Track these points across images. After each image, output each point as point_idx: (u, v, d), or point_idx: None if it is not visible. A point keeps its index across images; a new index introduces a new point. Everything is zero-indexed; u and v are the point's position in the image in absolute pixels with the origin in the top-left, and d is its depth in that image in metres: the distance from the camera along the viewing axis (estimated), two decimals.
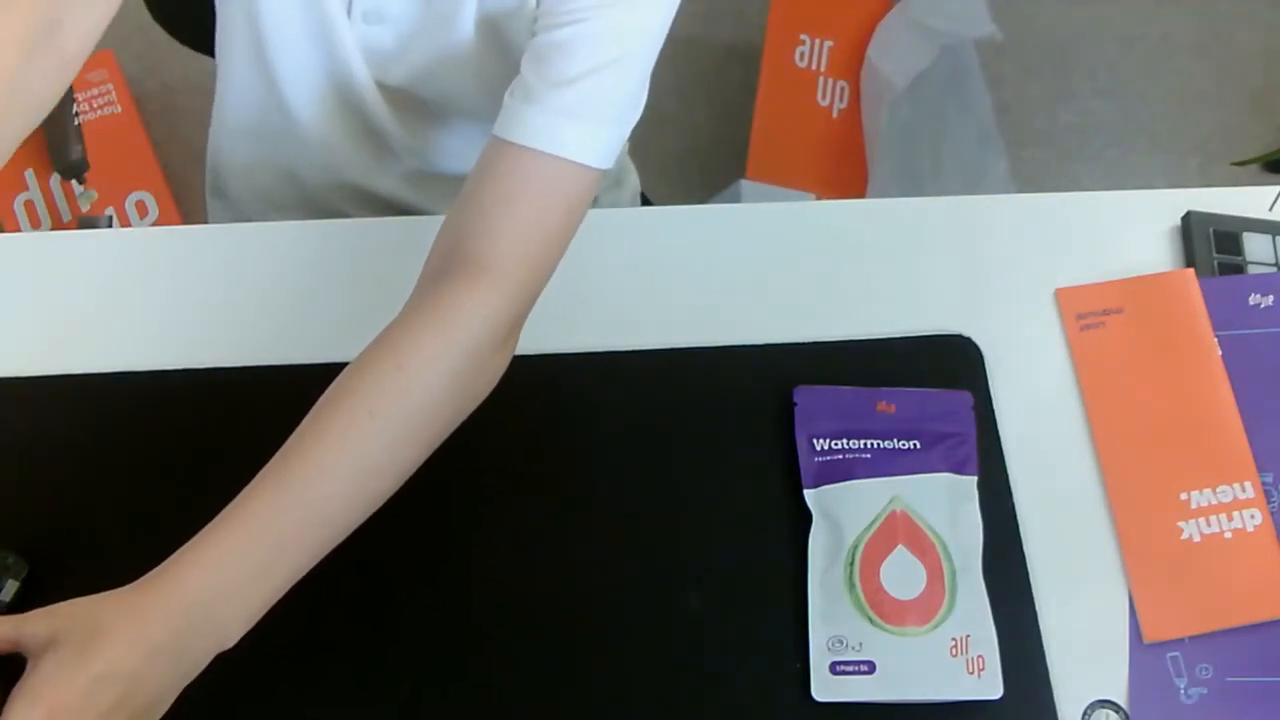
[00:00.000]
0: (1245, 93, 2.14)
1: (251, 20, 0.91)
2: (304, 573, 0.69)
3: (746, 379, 0.89)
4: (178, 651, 0.65)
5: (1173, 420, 0.88)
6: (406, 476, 0.72)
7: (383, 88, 0.95)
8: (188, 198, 1.86)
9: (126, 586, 0.66)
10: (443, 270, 0.75)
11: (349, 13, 0.89)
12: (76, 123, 1.84)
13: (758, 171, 1.84)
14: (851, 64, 1.89)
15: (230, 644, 0.67)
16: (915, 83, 1.77)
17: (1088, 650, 0.81)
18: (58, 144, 1.83)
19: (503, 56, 0.89)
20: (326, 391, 0.72)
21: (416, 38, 0.90)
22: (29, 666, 0.63)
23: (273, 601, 0.68)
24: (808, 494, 0.84)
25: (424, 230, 0.96)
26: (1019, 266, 0.95)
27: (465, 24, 0.88)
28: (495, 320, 0.74)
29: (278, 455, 0.70)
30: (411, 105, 0.97)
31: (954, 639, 0.79)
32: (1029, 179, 2.00)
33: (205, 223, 1.14)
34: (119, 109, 1.86)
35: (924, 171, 1.83)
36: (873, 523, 0.82)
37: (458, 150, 1.03)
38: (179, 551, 0.67)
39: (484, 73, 0.90)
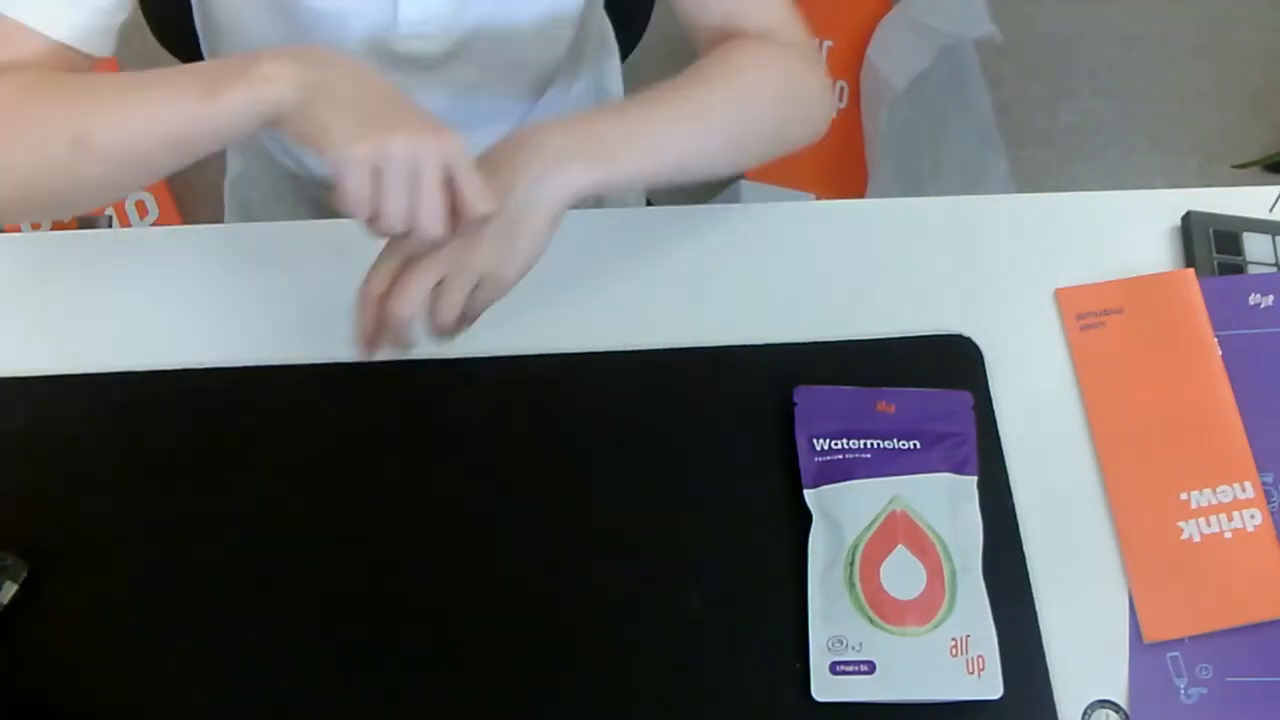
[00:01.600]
0: (1245, 93, 2.14)
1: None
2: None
3: (746, 379, 0.89)
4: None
5: (1173, 420, 0.88)
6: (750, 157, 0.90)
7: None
8: (188, 198, 1.86)
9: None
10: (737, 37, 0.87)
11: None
12: None
13: (758, 171, 1.84)
14: (851, 64, 1.89)
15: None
16: (915, 83, 1.77)
17: (1088, 650, 0.81)
18: None
19: None
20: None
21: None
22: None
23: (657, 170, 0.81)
24: (808, 494, 0.84)
25: None
26: (1019, 266, 0.95)
27: None
28: (808, 58, 0.89)
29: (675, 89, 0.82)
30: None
31: (954, 639, 0.79)
32: (1029, 179, 2.00)
33: (215, 201, 1.15)
34: None
35: (924, 171, 1.83)
36: (873, 523, 0.82)
37: None
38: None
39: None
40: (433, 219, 0.71)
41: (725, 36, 0.87)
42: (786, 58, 0.88)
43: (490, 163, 0.75)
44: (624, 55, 1.20)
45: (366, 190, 0.69)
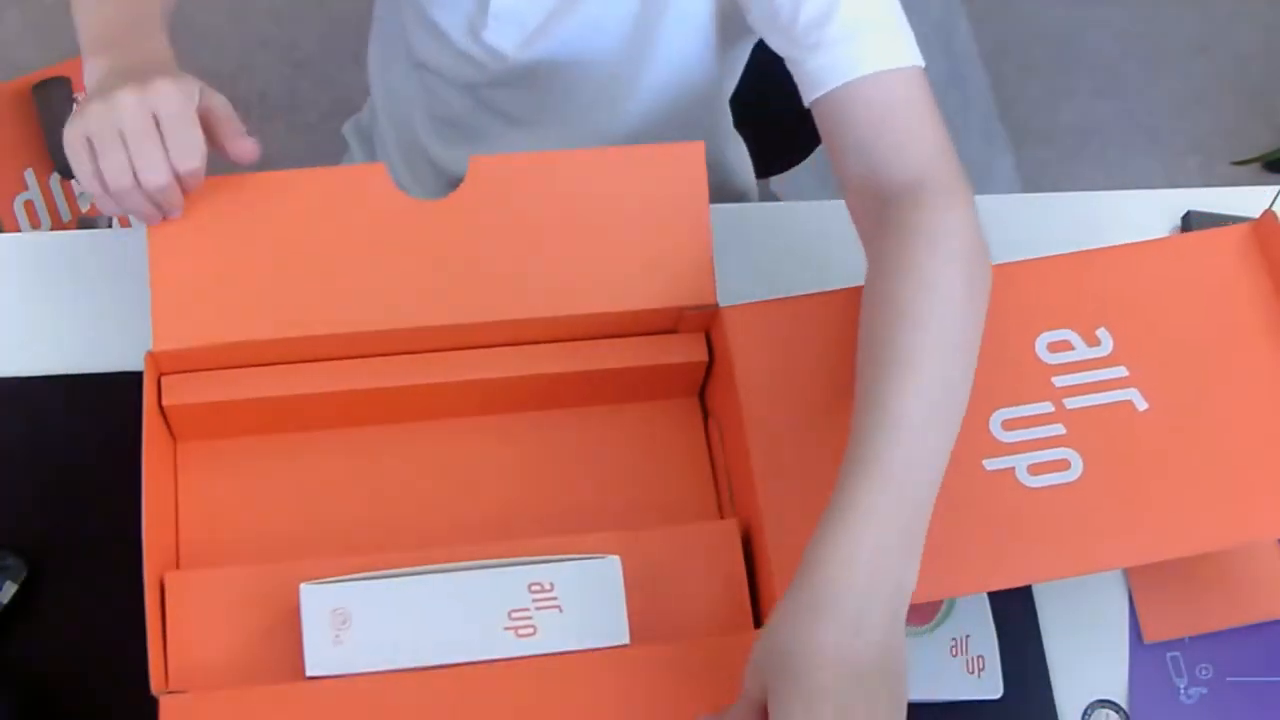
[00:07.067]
0: (1245, 93, 2.14)
1: None
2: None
3: None
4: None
5: None
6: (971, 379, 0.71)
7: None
8: None
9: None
10: (886, 217, 0.75)
11: None
12: None
13: None
14: None
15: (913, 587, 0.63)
16: None
17: (1088, 650, 0.81)
18: (58, 144, 1.83)
19: None
20: (860, 362, 0.71)
21: None
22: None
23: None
24: None
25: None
26: None
27: None
28: (971, 219, 0.76)
29: (863, 433, 0.66)
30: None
31: (954, 639, 0.79)
32: (1029, 179, 2.00)
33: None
34: None
35: None
36: None
37: None
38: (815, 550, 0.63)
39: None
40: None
41: (874, 195, 0.77)
42: (946, 268, 0.74)
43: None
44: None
45: None
